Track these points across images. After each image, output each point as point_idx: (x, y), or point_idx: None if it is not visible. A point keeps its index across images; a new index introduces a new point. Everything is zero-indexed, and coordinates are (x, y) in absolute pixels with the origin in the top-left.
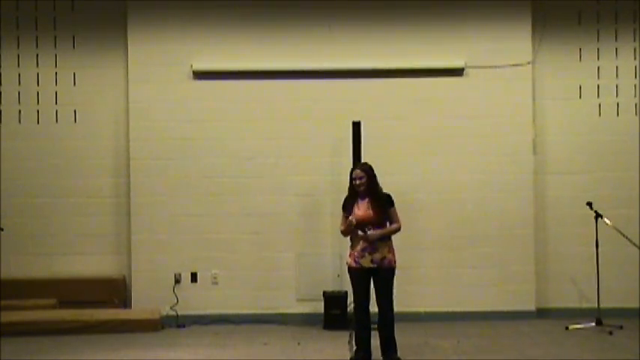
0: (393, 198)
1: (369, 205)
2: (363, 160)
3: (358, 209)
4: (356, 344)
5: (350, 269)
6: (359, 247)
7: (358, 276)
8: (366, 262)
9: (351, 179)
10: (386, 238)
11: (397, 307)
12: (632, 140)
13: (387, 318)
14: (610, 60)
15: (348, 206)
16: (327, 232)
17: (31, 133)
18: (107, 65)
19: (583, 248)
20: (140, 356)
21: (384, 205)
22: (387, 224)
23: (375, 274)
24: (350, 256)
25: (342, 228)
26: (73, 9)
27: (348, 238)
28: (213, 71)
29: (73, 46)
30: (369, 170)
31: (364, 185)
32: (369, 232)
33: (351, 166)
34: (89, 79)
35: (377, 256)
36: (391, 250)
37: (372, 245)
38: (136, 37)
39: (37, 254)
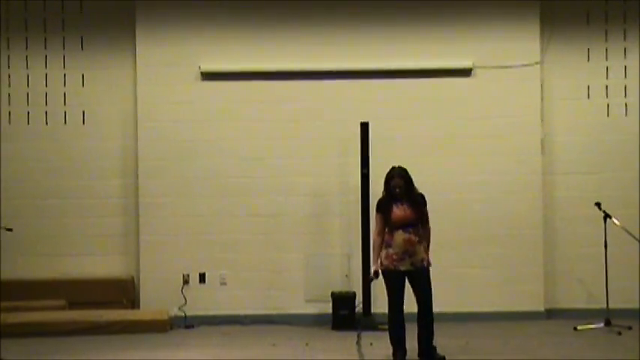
0: (426, 198)
1: (408, 207)
2: (371, 161)
3: (398, 209)
4: (393, 345)
5: (387, 271)
6: (399, 251)
7: (395, 278)
8: (405, 266)
9: (389, 184)
10: (423, 240)
11: (405, 308)
12: None
13: (428, 319)
14: (618, 60)
15: (384, 207)
16: (335, 233)
17: (39, 134)
18: (115, 66)
19: (591, 249)
20: (149, 357)
21: (420, 205)
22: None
23: (414, 276)
24: (387, 258)
25: (376, 236)
26: (82, 10)
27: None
28: (222, 72)
29: (82, 48)
30: (406, 176)
31: (402, 191)
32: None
33: (358, 166)
34: (97, 80)
35: (417, 258)
36: (426, 250)
37: (412, 249)
38: (144, 38)
39: (46, 255)
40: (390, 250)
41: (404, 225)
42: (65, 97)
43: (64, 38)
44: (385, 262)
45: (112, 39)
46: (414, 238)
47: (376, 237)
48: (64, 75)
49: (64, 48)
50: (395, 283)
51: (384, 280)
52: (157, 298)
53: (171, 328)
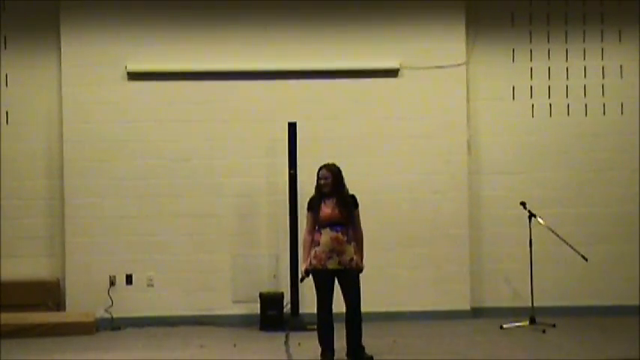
0: (358, 200)
1: (336, 206)
2: (299, 161)
3: (326, 207)
4: (321, 345)
5: (314, 271)
6: (327, 249)
7: (323, 277)
8: (332, 265)
9: (318, 178)
10: (353, 240)
11: (334, 308)
12: (564, 140)
13: (355, 320)
14: (543, 61)
15: (314, 205)
16: (263, 233)
17: None
18: (40, 66)
19: (517, 248)
20: (75, 359)
21: (349, 205)
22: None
23: (342, 276)
24: (315, 257)
25: (306, 235)
26: (5, 9)
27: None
28: (148, 72)
29: (5, 47)
30: (335, 171)
31: (329, 186)
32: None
33: (286, 167)
34: (21, 80)
35: (345, 257)
36: (357, 251)
37: (340, 247)
38: (69, 38)
39: None
40: (318, 249)
41: (331, 223)
42: None
43: None
44: (314, 262)
45: (37, 38)
46: (342, 237)
47: (306, 236)
48: None
49: None
50: (323, 283)
51: (313, 280)
52: (83, 300)
53: (98, 331)
